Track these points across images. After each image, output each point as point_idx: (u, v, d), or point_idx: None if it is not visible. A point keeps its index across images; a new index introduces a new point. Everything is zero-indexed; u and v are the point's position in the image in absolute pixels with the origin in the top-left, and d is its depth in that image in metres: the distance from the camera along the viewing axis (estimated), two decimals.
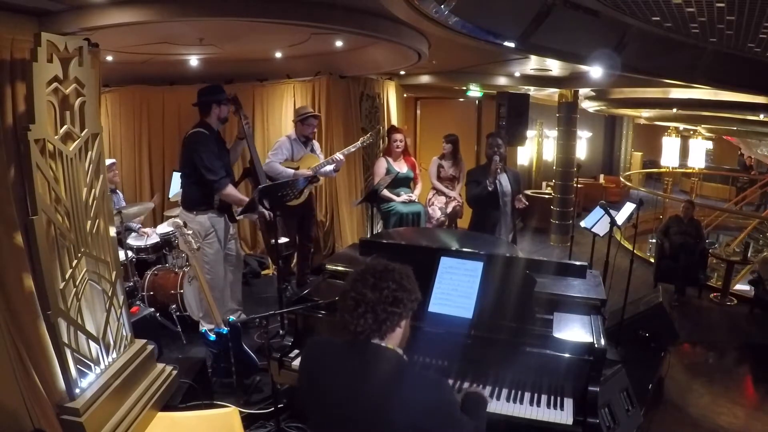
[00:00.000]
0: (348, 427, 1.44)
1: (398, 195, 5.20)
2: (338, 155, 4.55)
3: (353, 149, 4.67)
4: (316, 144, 4.77)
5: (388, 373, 1.43)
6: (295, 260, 4.99)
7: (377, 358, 1.44)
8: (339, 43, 4.42)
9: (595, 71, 5.68)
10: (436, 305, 2.27)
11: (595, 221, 4.33)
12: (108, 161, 4.37)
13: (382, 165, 5.32)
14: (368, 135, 4.74)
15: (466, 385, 2.19)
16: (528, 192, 9.59)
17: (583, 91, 7.89)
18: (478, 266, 2.31)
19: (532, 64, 5.65)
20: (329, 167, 4.54)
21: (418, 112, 8.78)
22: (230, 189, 3.62)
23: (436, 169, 5.50)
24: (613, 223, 4.06)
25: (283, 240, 4.21)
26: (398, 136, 5.37)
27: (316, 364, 1.54)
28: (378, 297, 1.42)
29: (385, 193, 5.06)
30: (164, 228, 4.62)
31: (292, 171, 4.39)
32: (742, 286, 6.10)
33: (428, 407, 1.39)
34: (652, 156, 14.90)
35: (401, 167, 5.29)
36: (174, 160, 5.50)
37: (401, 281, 1.46)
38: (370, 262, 1.52)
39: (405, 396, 1.38)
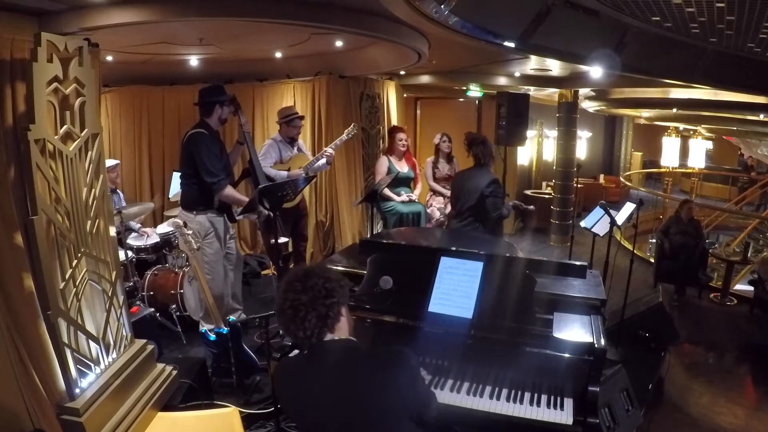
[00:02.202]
0: (347, 429, 1.46)
1: (399, 194, 5.21)
2: (328, 149, 4.51)
3: (339, 143, 4.63)
4: (300, 142, 4.75)
5: (353, 363, 1.50)
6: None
7: (336, 352, 1.50)
8: (339, 43, 4.41)
9: (595, 71, 5.67)
10: (436, 305, 2.27)
11: (595, 221, 4.33)
12: (111, 162, 4.39)
13: (383, 164, 5.34)
14: (352, 126, 4.65)
15: (466, 384, 2.19)
16: (528, 192, 9.61)
17: (583, 91, 7.89)
18: (478, 266, 2.31)
19: (532, 64, 5.65)
20: (322, 161, 4.51)
21: (418, 112, 8.78)
22: (229, 190, 3.62)
23: (431, 171, 5.48)
24: (613, 223, 4.05)
25: (283, 240, 4.19)
26: (402, 135, 5.41)
27: (289, 388, 1.57)
28: (312, 295, 1.46)
29: (386, 191, 5.07)
30: (164, 228, 4.63)
31: (285, 173, 4.37)
32: (742, 286, 6.09)
33: (405, 381, 1.46)
34: (652, 156, 14.90)
35: (402, 167, 5.30)
36: (174, 160, 5.50)
37: (325, 274, 1.52)
38: (289, 272, 1.57)
39: (381, 376, 1.44)
